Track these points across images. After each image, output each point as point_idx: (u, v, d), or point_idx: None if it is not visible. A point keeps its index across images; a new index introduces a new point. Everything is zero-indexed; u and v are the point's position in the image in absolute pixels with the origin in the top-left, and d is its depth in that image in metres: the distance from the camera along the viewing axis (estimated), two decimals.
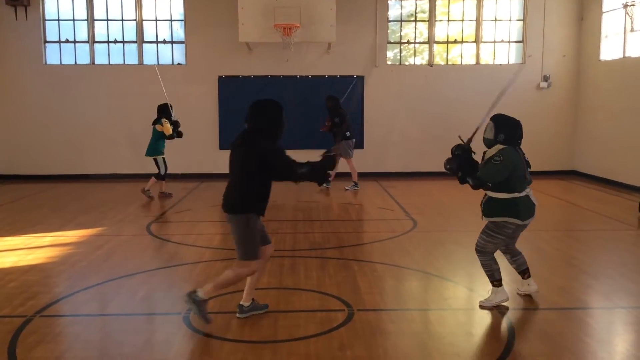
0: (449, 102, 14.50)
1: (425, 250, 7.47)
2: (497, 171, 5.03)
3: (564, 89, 14.61)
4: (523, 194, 5.11)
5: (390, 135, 14.56)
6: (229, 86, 14.29)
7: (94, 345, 4.66)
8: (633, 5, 11.58)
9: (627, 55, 12.65)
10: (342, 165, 12.36)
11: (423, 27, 14.78)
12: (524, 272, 5.52)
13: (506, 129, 5.15)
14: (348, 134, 12.15)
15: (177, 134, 11.40)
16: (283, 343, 4.58)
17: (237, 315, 5.07)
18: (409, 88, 14.54)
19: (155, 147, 11.33)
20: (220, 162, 14.29)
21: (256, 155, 4.75)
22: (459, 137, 5.25)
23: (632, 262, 7.02)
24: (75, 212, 10.07)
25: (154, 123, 11.34)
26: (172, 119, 11.38)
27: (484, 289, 6.13)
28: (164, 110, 11.37)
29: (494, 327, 4.98)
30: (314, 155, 12.82)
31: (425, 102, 14.54)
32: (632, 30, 12.07)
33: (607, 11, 13.42)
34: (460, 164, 5.13)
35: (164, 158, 11.39)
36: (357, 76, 14.41)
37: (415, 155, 14.60)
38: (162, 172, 11.36)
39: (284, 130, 4.98)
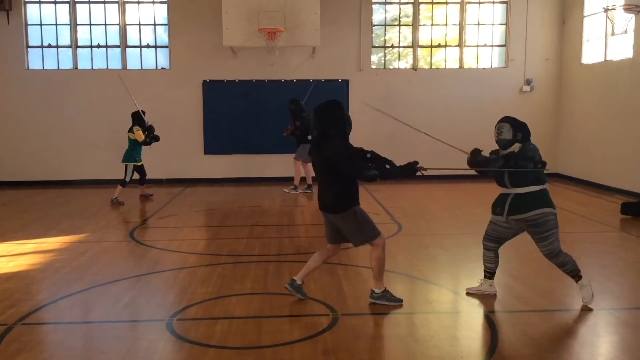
0: (433, 106, 14.57)
1: (409, 254, 7.49)
2: (536, 152, 5.29)
3: (547, 92, 14.74)
4: (546, 184, 5.37)
5: (375, 138, 14.56)
6: (213, 90, 14.26)
7: (76, 353, 4.61)
8: (613, 9, 11.72)
9: (608, 58, 12.79)
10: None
11: (407, 31, 14.85)
12: (494, 274, 5.71)
13: (522, 128, 5.35)
14: (310, 137, 11.89)
15: (152, 138, 11.50)
16: (267, 349, 4.56)
17: (287, 286, 5.61)
18: (393, 92, 14.59)
19: (130, 154, 11.47)
20: (205, 166, 14.44)
21: (331, 159, 5.16)
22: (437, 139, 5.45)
23: (613, 264, 7.08)
24: (58, 219, 9.98)
25: (129, 131, 11.41)
26: (146, 124, 11.43)
27: None
28: (136, 118, 11.46)
29: (478, 330, 5.00)
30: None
31: (410, 106, 14.58)
32: (612, 34, 12.22)
33: (589, 15, 13.57)
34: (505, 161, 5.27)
35: (139, 165, 11.56)
36: (341, 80, 14.44)
37: (399, 158, 14.57)
38: (127, 180, 11.43)
39: (351, 125, 5.38)
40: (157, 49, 14.48)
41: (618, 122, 12.25)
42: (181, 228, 9.37)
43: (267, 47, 12.64)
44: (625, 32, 11.75)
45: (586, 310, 5.37)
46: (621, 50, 12.37)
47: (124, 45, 14.38)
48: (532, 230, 5.27)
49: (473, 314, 5.45)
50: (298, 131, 12.06)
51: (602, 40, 13.02)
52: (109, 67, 14.39)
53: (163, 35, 14.46)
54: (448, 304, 5.85)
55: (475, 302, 5.79)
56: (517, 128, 5.33)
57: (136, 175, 11.64)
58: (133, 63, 14.43)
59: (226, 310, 5.42)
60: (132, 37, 14.44)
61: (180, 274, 6.73)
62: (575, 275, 5.36)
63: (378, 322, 5.17)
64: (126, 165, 11.43)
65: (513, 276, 6.42)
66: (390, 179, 5.41)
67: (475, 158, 5.41)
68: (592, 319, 5.21)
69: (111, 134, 14.19)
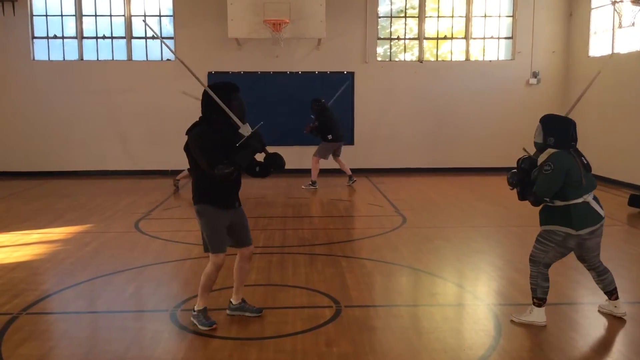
0: (439, 98, 14.52)
1: (414, 247, 7.48)
2: (550, 182, 4.57)
3: (554, 85, 14.66)
4: (579, 200, 4.63)
5: (380, 131, 14.57)
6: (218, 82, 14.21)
7: (80, 343, 4.63)
8: (621, 1, 11.63)
9: (615, 51, 12.71)
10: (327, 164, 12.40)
11: (413, 23, 14.78)
12: (611, 293, 5.00)
13: (556, 130, 4.69)
14: (330, 137, 12.01)
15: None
16: (270, 340, 4.57)
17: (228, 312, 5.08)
18: (399, 84, 14.54)
19: None
20: None
21: (186, 144, 4.67)
22: (524, 149, 4.95)
23: (619, 257, 7.05)
24: (64, 209, 10.02)
25: None
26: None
27: (472, 284, 6.19)
28: None
29: (481, 323, 4.99)
30: (302, 151, 12.68)
31: (415, 99, 14.55)
32: (620, 26, 12.13)
33: (596, 7, 13.47)
34: (522, 178, 4.78)
35: None
36: (347, 72, 14.40)
37: (405, 151, 14.62)
38: None
39: (238, 112, 4.64)
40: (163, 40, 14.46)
41: (625, 115, 12.18)
42: (186, 219, 9.37)
43: (272, 38, 12.61)
44: (633, 24, 11.67)
45: (589, 304, 5.37)
46: (629, 42, 12.28)
47: (129, 36, 14.37)
48: (538, 236, 4.87)
49: (476, 307, 5.45)
50: (316, 130, 12.07)
51: (610, 32, 12.93)
52: (115, 59, 14.40)
53: (168, 27, 14.44)
54: (452, 297, 5.85)
55: (478, 294, 5.80)
56: (549, 131, 4.69)
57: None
58: (138, 54, 14.42)
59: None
60: (138, 28, 14.43)
61: (184, 265, 6.76)
62: (534, 297, 4.84)
63: (381, 315, 5.17)
64: None
65: (517, 269, 6.41)
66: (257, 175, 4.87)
67: (511, 179, 4.83)
68: (595, 313, 5.20)
69: (117, 125, 14.23)
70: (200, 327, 4.74)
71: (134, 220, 9.06)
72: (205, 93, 4.63)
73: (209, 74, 14.22)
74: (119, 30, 14.36)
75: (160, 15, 14.41)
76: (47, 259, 6.96)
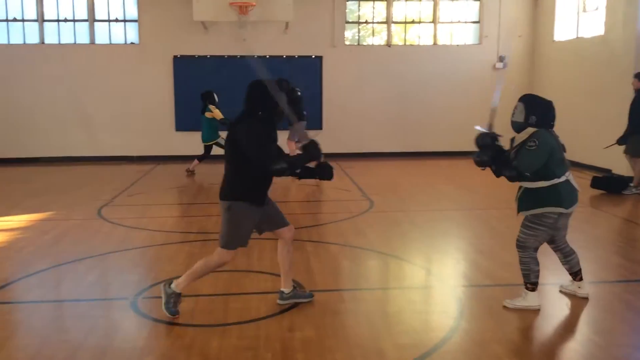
0: (407, 82, 14.53)
1: (380, 231, 7.48)
2: (535, 157, 4.54)
3: (520, 69, 14.75)
4: (563, 179, 4.65)
5: (349, 115, 14.54)
6: (184, 66, 14.01)
7: (37, 332, 4.51)
8: None
9: (580, 35, 12.84)
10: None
11: (381, 7, 14.72)
12: (576, 274, 5.05)
13: (538, 110, 4.70)
14: (305, 113, 12.06)
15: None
16: (233, 326, 4.51)
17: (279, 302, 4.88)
18: (367, 68, 14.50)
19: (210, 134, 11.59)
20: (176, 143, 14.22)
21: (233, 138, 4.44)
22: (476, 127, 4.80)
23: (581, 238, 7.13)
24: (23, 196, 9.77)
25: (202, 112, 11.52)
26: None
27: (437, 267, 6.22)
28: (208, 97, 11.56)
29: (444, 304, 5.02)
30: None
31: (384, 83, 14.54)
32: (584, 10, 12.25)
33: None
34: (494, 155, 4.63)
35: (216, 143, 11.59)
36: (315, 56, 14.30)
37: (373, 135, 14.63)
38: (206, 155, 11.67)
39: (277, 112, 4.54)
40: (126, 23, 14.16)
41: (588, 99, 12.33)
42: (150, 206, 9.24)
43: (239, 22, 12.43)
44: (597, 9, 11.79)
45: (551, 284, 5.42)
46: (593, 27, 12.42)
47: (92, 19, 14.03)
48: (526, 221, 4.79)
49: (440, 289, 5.48)
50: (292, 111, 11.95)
51: (574, 17, 13.05)
52: (77, 42, 14.05)
53: (132, 9, 14.12)
54: (416, 280, 5.87)
55: (443, 277, 5.83)
56: (531, 110, 4.67)
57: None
58: (101, 37, 14.10)
59: (192, 288, 5.29)
60: (101, 11, 14.09)
61: (147, 252, 6.64)
62: (528, 282, 4.80)
63: (345, 299, 5.14)
64: (210, 144, 11.62)
65: (481, 252, 6.47)
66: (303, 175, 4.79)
67: (482, 158, 4.63)
68: (555, 293, 5.25)
69: (80, 111, 13.92)
70: (163, 307, 4.60)
71: (96, 207, 8.88)
72: (255, 86, 4.54)
73: (175, 57, 13.98)
74: (81, 13, 14.01)
75: None
76: (5, 247, 6.78)
